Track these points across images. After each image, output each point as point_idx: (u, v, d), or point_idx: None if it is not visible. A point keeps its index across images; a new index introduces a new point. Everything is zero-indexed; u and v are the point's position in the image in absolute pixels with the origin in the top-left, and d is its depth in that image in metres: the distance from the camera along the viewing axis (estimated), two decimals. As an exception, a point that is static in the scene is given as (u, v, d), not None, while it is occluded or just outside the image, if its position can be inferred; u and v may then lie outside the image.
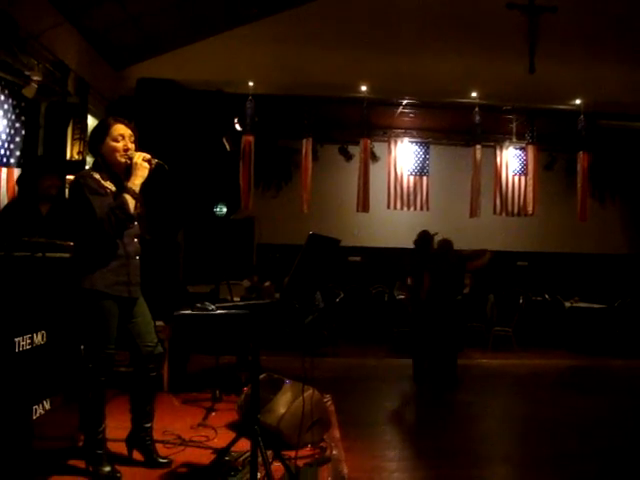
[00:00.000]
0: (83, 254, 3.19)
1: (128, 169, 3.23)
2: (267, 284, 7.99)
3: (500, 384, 6.60)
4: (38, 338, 3.12)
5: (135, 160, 3.19)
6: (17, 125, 5.46)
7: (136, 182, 3.17)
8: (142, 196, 3.28)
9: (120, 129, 3.25)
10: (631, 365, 7.89)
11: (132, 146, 3.27)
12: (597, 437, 4.53)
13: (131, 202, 3.12)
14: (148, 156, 3.22)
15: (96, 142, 3.28)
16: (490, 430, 4.90)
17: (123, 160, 3.23)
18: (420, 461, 3.93)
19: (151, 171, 3.23)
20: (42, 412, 3.12)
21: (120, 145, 3.23)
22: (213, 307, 2.94)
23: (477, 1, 7.68)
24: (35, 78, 5.32)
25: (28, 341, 3.02)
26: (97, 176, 3.21)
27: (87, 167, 6.14)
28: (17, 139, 5.45)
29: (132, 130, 3.31)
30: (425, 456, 4.03)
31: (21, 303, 3.01)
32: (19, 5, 4.97)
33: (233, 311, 3.04)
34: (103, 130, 3.27)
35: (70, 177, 5.25)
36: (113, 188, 3.22)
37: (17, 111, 5.45)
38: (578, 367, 6.93)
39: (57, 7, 5.73)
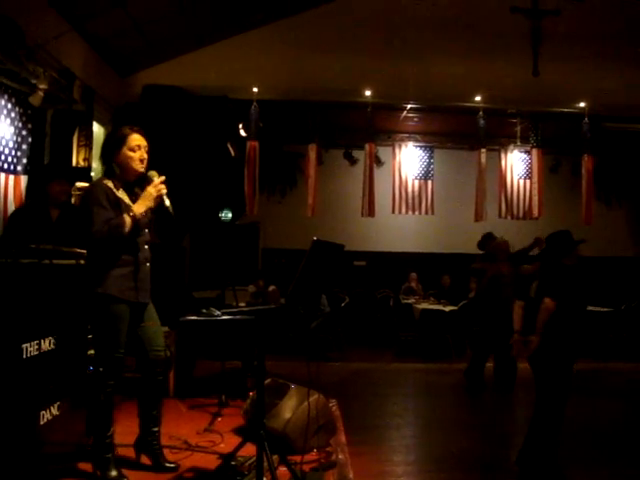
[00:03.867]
0: (96, 260, 3.24)
1: (141, 179, 3.33)
2: (272, 289, 7.99)
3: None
4: (45, 344, 3.15)
5: (150, 190, 3.24)
6: (24, 133, 5.50)
7: (140, 209, 3.23)
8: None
9: (137, 139, 3.34)
10: (638, 368, 7.85)
11: (146, 156, 3.36)
12: (604, 441, 4.52)
13: (128, 223, 3.16)
14: (164, 191, 3.27)
15: (112, 150, 3.34)
16: (497, 435, 4.89)
17: (141, 170, 3.32)
18: (426, 465, 3.93)
19: (157, 205, 3.29)
20: (49, 417, 3.14)
21: (137, 155, 3.32)
22: (219, 313, 2.96)
23: (481, 5, 7.67)
24: (41, 86, 5.35)
25: (35, 347, 3.05)
26: (110, 184, 3.28)
27: (93, 174, 6.23)
28: (24, 147, 5.49)
29: (146, 141, 3.39)
30: (431, 461, 4.02)
31: (28, 310, 3.04)
32: (25, 13, 5.01)
33: (238, 317, 3.06)
34: (120, 139, 3.33)
35: (79, 184, 5.30)
36: (125, 198, 3.29)
37: (24, 119, 5.49)
38: (584, 371, 6.86)
39: (63, 15, 5.77)
